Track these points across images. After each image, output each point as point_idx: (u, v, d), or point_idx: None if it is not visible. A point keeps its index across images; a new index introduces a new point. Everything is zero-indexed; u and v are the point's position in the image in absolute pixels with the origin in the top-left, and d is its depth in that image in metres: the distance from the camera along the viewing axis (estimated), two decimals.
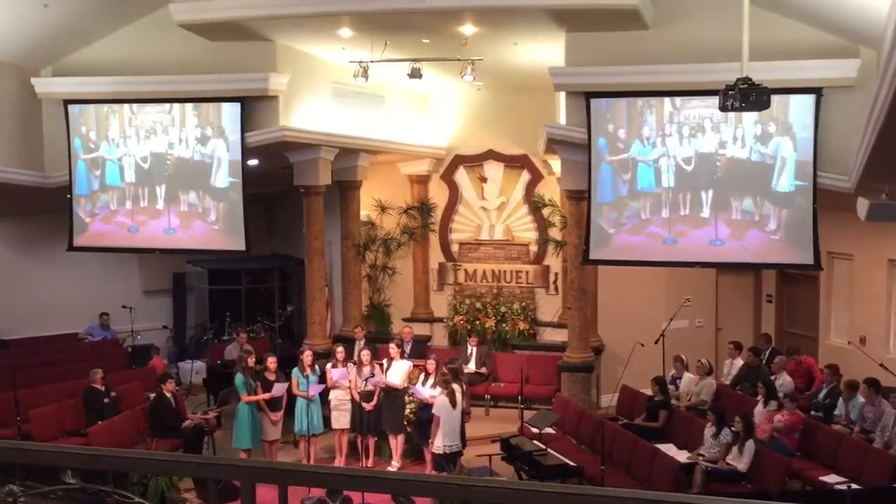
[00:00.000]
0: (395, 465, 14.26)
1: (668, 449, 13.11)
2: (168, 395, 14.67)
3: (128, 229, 16.80)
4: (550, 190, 18.00)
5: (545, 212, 18.07)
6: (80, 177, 16.89)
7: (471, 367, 17.12)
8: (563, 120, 15.36)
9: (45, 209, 18.18)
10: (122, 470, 3.73)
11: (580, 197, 15.66)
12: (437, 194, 19.10)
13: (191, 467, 3.93)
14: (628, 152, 14.65)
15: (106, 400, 14.86)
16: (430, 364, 14.01)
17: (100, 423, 14.23)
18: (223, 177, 16.10)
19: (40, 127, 16.84)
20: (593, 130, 14.67)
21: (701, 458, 12.72)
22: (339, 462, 14.32)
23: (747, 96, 9.84)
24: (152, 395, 15.17)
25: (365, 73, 14.94)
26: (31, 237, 19.41)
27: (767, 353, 15.85)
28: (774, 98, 10.33)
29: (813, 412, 14.06)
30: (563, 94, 15.30)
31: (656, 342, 15.90)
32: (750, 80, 9.88)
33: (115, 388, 15.20)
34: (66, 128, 16.68)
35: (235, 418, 13.96)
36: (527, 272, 18.59)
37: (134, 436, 14.18)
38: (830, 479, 12.08)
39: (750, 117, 13.82)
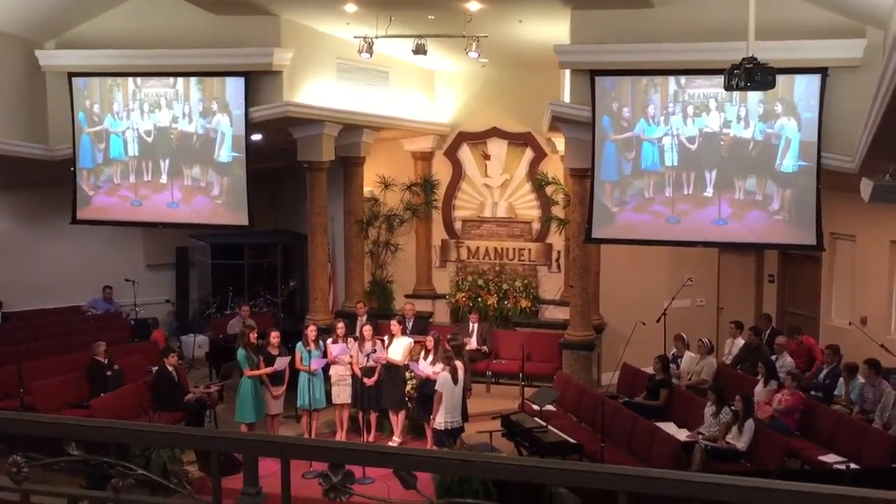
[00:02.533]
0: (396, 441, 14.31)
1: (668, 427, 13.15)
2: (170, 368, 14.71)
3: (131, 203, 16.80)
4: (554, 168, 17.97)
5: (548, 190, 18.06)
6: (84, 150, 16.87)
7: (472, 343, 17.14)
8: (567, 98, 15.31)
9: (48, 182, 18.18)
10: (124, 442, 3.74)
11: (584, 175, 15.64)
12: (441, 171, 19.07)
13: (193, 440, 3.94)
14: (632, 131, 14.62)
15: (109, 373, 14.91)
16: (430, 341, 14.04)
17: (102, 395, 14.30)
18: (227, 151, 16.08)
19: (44, 100, 16.81)
20: (598, 108, 14.64)
21: (701, 436, 12.75)
22: (341, 437, 14.37)
23: (752, 76, 9.80)
24: (154, 369, 15.22)
25: (369, 49, 14.89)
26: (34, 210, 19.42)
27: (768, 332, 15.86)
28: (780, 78, 10.29)
29: (813, 392, 14.08)
30: (567, 72, 15.25)
31: (658, 321, 15.92)
32: (755, 59, 9.84)
33: (117, 361, 15.25)
34: (70, 101, 16.65)
35: (238, 392, 14.00)
36: (529, 250, 18.58)
37: (136, 409, 14.23)
38: (829, 458, 12.11)
39: (755, 97, 13.77)
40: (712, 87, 13.87)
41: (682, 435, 12.92)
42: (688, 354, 15.44)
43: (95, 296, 19.76)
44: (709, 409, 13.00)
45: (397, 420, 14.41)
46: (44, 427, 3.77)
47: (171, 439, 4.07)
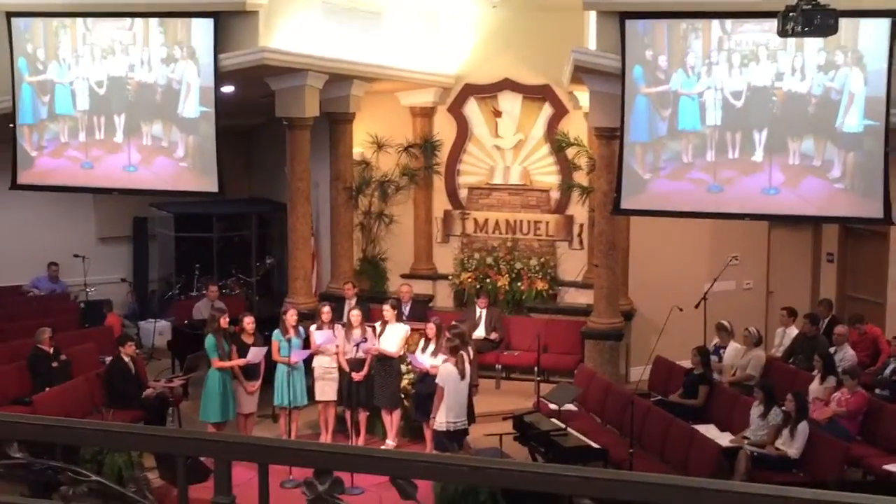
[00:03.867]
0: (390, 444, 14.35)
1: (709, 430, 13.17)
2: (126, 359, 14.74)
3: (81, 165, 16.78)
4: (576, 127, 17.93)
5: (570, 152, 18.01)
6: (25, 103, 16.84)
7: (479, 332, 17.16)
8: (592, 45, 15.24)
9: None
10: (74, 444, 3.76)
11: (611, 135, 15.60)
12: (444, 130, 19.03)
13: (157, 442, 3.96)
14: (668, 84, 14.58)
15: (54, 364, 14.94)
16: (430, 328, 14.05)
17: (47, 389, 14.33)
18: (193, 105, 16.05)
19: None
20: (628, 57, 14.59)
21: (746, 441, 12.78)
22: (326, 439, 14.41)
23: (811, 19, 9.78)
24: (108, 359, 15.25)
25: None
26: None
27: (826, 321, 15.87)
28: (843, 22, 10.27)
29: (878, 391, 14.10)
30: (593, 14, 15.18)
31: (697, 307, 15.92)
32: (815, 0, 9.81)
33: (64, 350, 15.28)
34: (8, 45, 16.59)
35: (205, 387, 14.03)
36: (547, 223, 18.57)
37: (87, 405, 14.27)
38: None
39: (813, 45, 13.72)
40: (763, 32, 13.82)
41: (724, 439, 12.95)
42: (732, 346, 15.45)
43: (38, 274, 19.78)
44: (756, 410, 13.02)
45: (391, 420, 14.45)
46: None
47: (128, 440, 4.07)
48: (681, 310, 15.36)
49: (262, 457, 3.46)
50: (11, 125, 16.86)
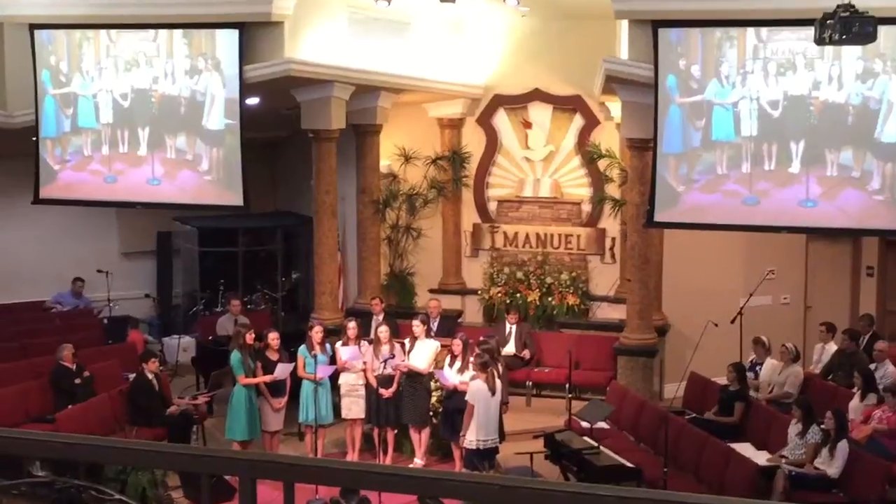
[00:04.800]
0: (418, 463, 14.34)
1: (745, 449, 13.10)
2: (150, 375, 14.79)
3: (104, 179, 16.88)
4: (608, 138, 17.90)
5: (601, 164, 17.99)
6: (48, 116, 16.95)
7: (510, 348, 17.13)
8: (624, 54, 15.22)
9: (5, 154, 18.28)
10: (100, 461, 3.77)
11: (644, 147, 15.57)
12: (472, 142, 19.04)
13: (179, 459, 3.96)
14: (703, 93, 14.54)
15: (77, 380, 15.00)
16: (457, 344, 14.03)
17: (70, 407, 14.39)
18: (217, 118, 16.12)
19: (1, 56, 16.90)
20: (661, 66, 14.56)
21: (784, 460, 12.70)
22: (352, 458, 14.40)
23: (849, 27, 9.73)
24: (132, 376, 15.30)
25: None
26: None
27: (867, 337, 15.74)
28: (882, 29, 10.21)
29: None
30: (625, 23, 15.16)
31: (732, 322, 15.85)
32: (853, 6, 9.76)
33: (87, 366, 15.33)
34: (31, 58, 16.72)
35: (230, 405, 14.07)
36: (578, 236, 18.54)
37: (110, 423, 14.32)
38: None
39: (851, 53, 13.65)
40: (800, 40, 13.77)
41: (761, 458, 12.86)
42: (769, 362, 15.36)
43: (61, 289, 19.87)
44: (794, 428, 12.93)
45: (420, 439, 14.44)
46: (7, 443, 3.79)
47: (152, 458, 4.08)
48: (716, 325, 15.29)
49: (288, 475, 3.46)
50: (34, 138, 16.97)
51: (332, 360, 14.50)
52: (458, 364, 13.91)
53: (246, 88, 15.90)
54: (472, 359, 13.51)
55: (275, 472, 3.55)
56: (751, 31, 14.14)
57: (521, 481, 3.32)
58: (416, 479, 3.43)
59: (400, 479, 3.42)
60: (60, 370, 15.02)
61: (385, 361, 14.25)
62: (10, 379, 15.28)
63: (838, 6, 9.80)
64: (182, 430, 14.56)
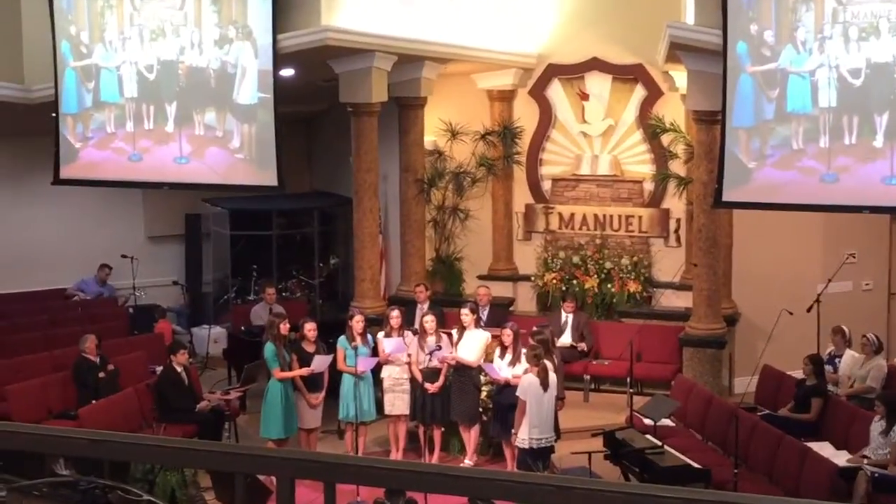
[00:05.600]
0: (468, 463, 14.37)
1: (823, 448, 13.04)
2: (179, 368, 14.90)
3: (128, 157, 16.98)
4: (672, 110, 17.81)
5: (665, 139, 17.91)
6: (69, 90, 17.07)
7: (565, 339, 17.12)
8: (690, 19, 15.13)
9: (24, 131, 18.45)
10: (126, 460, 3.80)
11: (712, 120, 15.49)
12: (525, 115, 19.00)
13: (212, 458, 3.99)
14: (777, 61, 14.42)
15: (101, 374, 15.13)
16: (507, 335, 14.03)
17: (94, 402, 14.52)
18: (249, 91, 16.17)
19: (18, 26, 17.04)
20: (730, 32, 14.46)
21: (865, 460, 12.62)
22: (396, 457, 14.46)
23: None
24: (159, 369, 15.42)
25: None
26: (6, 167, 19.71)
27: None
28: None
29: None
30: None
31: (809, 310, 15.75)
32: None
33: (112, 359, 15.48)
34: (51, 28, 16.83)
35: (264, 400, 14.16)
36: (640, 217, 18.47)
37: (136, 419, 14.46)
38: None
39: None
40: (884, 2, 13.63)
41: (840, 458, 12.80)
42: (849, 354, 15.27)
43: (85, 276, 20.04)
44: (876, 426, 12.85)
45: (469, 437, 14.47)
46: (22, 440, 3.83)
47: (182, 457, 4.11)
48: (791, 313, 15.19)
49: (329, 475, 3.48)
50: (54, 114, 17.08)
51: (374, 352, 14.55)
52: (508, 356, 13.92)
53: (280, 59, 15.94)
54: (524, 351, 13.53)
55: (315, 471, 3.57)
56: None
57: (579, 482, 3.32)
58: (466, 479, 3.44)
59: (449, 479, 3.43)
60: (83, 363, 15.16)
61: (431, 353, 14.28)
62: (31, 372, 15.46)
63: None
64: (213, 427, 14.67)
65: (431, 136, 18.99)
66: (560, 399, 14.15)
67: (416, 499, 10.97)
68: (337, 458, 3.60)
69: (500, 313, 16.88)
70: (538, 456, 12.98)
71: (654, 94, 18.13)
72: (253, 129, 16.28)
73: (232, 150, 16.45)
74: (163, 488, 10.39)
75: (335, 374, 14.44)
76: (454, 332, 14.66)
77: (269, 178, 16.34)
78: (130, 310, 19.45)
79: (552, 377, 13.13)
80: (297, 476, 3.64)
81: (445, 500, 4.09)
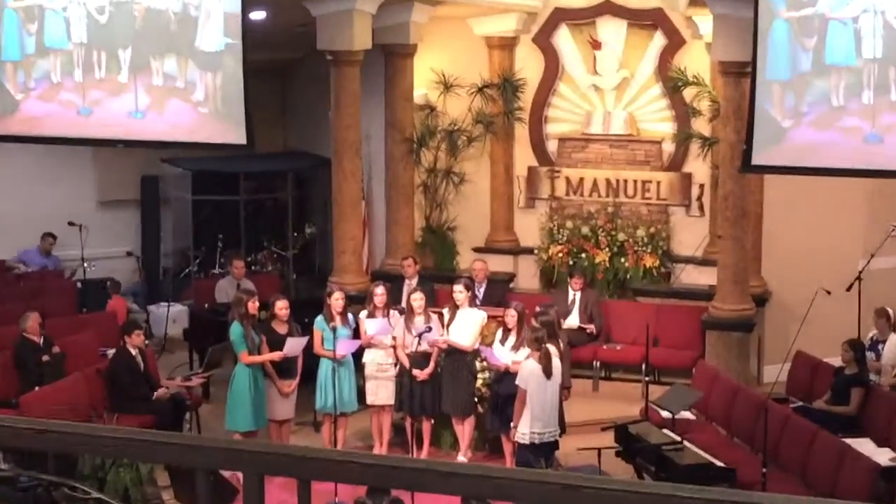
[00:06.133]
0: (461, 460, 14.40)
1: (863, 445, 13.07)
2: (134, 351, 14.89)
3: (77, 111, 16.92)
4: (696, 61, 17.80)
5: (687, 94, 17.90)
6: (8, 33, 16.99)
7: (572, 320, 17.15)
8: None
9: None
10: (74, 453, 3.80)
11: (741, 72, 15.49)
12: (528, 66, 18.98)
13: (171, 452, 3.99)
14: (815, 5, 14.40)
15: (45, 357, 15.11)
16: (511, 316, 14.04)
17: (37, 389, 14.50)
18: (214, 36, 16.12)
19: None
20: None
21: None
22: (380, 453, 14.48)
23: None
24: (111, 352, 15.41)
25: None
26: None
27: None
28: None
29: None
30: None
31: (849, 289, 15.76)
32: None
33: (58, 340, 15.45)
34: None
35: (230, 388, 14.17)
36: (658, 183, 18.48)
37: (85, 409, 14.42)
38: None
39: None
40: None
41: (883, 457, 12.85)
42: (893, 339, 15.31)
43: (26, 245, 19.99)
44: None
45: (463, 430, 14.49)
46: None
47: (137, 450, 4.11)
48: (828, 293, 15.20)
49: (304, 471, 3.48)
50: None
51: (356, 334, 14.56)
52: (511, 340, 13.92)
53: (249, 1, 15.90)
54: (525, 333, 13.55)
55: (287, 466, 3.58)
56: None
57: (586, 480, 3.33)
58: (458, 476, 3.44)
59: (439, 476, 3.43)
60: (25, 344, 15.13)
61: (420, 336, 14.27)
62: None
63: None
64: (172, 417, 14.67)
65: (422, 88, 18.97)
66: (566, 388, 14.18)
67: (403, 499, 10.99)
68: (312, 451, 3.60)
69: (498, 291, 16.89)
70: (540, 452, 13.00)
71: (675, 42, 18.12)
72: (218, 80, 16.23)
73: (195, 103, 16.40)
74: (115, 486, 10.40)
75: (311, 358, 14.45)
76: (445, 311, 14.66)
77: (236, 135, 16.29)
78: (78, 284, 19.41)
79: (556, 364, 13.13)
80: (267, 472, 3.64)
81: (435, 500, 4.10)
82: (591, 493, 3.29)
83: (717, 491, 3.22)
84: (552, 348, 13.20)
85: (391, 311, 14.70)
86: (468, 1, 18.14)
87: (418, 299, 14.57)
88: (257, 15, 16.40)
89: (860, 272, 16.04)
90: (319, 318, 14.48)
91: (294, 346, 14.17)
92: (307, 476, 3.49)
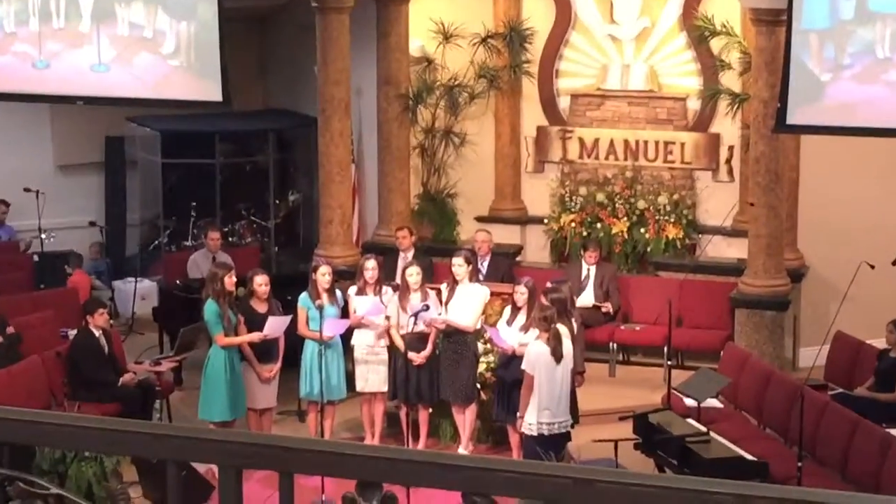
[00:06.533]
0: (462, 453, 14.42)
1: None
2: (97, 332, 14.90)
3: (33, 64, 16.91)
4: (725, 8, 17.78)
5: (715, 45, 17.89)
6: None
7: (587, 298, 17.16)
8: None
9: None
10: (32, 443, 3.80)
11: (775, 21, 15.47)
12: (537, 14, 18.95)
13: (140, 442, 3.99)
14: None
15: None
16: (520, 292, 14.05)
17: None
18: None
19: None
20: None
21: None
22: (371, 443, 14.52)
23: None
24: (72, 333, 15.43)
25: None
26: None
27: None
28: None
29: None
30: None
31: (895, 263, 15.76)
32: None
33: (12, 319, 15.46)
34: None
35: (204, 373, 14.17)
36: (682, 144, 18.47)
37: (43, 395, 14.47)
38: None
39: None
40: None
41: None
42: None
43: None
44: None
45: (464, 420, 14.51)
46: None
47: (101, 441, 4.11)
48: (872, 267, 15.21)
49: (286, 464, 3.48)
50: None
51: (344, 313, 14.56)
52: (521, 320, 13.91)
53: None
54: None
55: (267, 459, 3.58)
56: None
57: (602, 473, 3.33)
58: (460, 469, 3.44)
59: (438, 469, 3.43)
60: None
61: (416, 315, 14.28)
62: None
63: None
64: (140, 406, 14.69)
65: (418, 39, 18.93)
66: (579, 374, 14.20)
67: (397, 494, 10.99)
68: (296, 441, 3.60)
69: (503, 265, 16.91)
70: (550, 445, 13.00)
71: None
72: (191, 29, 16.22)
73: (165, 55, 16.39)
74: (76, 482, 10.41)
75: (295, 340, 14.46)
76: (444, 287, 14.66)
77: (211, 91, 16.29)
78: (35, 258, 19.40)
79: (567, 346, 13.12)
80: (245, 466, 3.64)
81: (433, 495, 4.11)
82: (608, 487, 3.29)
83: (746, 485, 3.22)
84: (563, 329, 13.19)
85: (384, 288, 14.70)
86: None
87: (414, 274, 14.57)
88: None
89: None
90: (304, 296, 14.48)
91: (275, 326, 14.17)
92: (290, 469, 3.49)
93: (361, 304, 14.49)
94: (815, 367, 15.50)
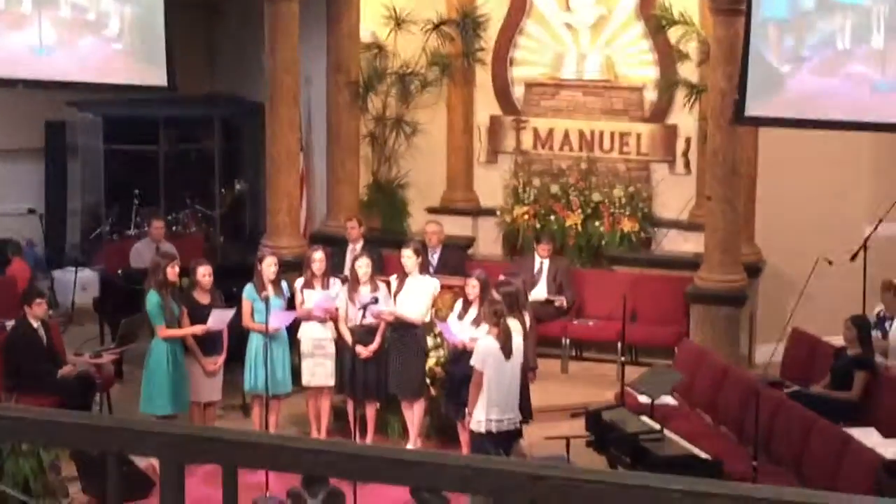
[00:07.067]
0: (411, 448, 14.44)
1: (867, 435, 13.15)
2: (35, 323, 14.83)
3: None
4: None
5: (673, 34, 17.93)
6: None
7: (539, 291, 17.18)
8: None
9: None
10: None
11: (733, 10, 15.51)
12: (491, 0, 18.97)
13: (79, 435, 3.96)
14: None
15: None
16: (472, 285, 14.06)
17: None
18: None
19: None
20: None
21: None
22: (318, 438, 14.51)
23: None
24: (10, 324, 15.35)
25: None
26: None
27: None
28: None
29: None
30: None
31: (853, 259, 15.85)
32: None
33: None
34: None
35: (146, 365, 14.14)
36: (638, 135, 18.51)
37: None
38: None
39: None
40: None
41: (888, 449, 12.91)
42: None
43: None
44: None
45: (413, 415, 14.51)
46: None
47: (38, 432, 4.08)
48: (830, 263, 15.29)
49: (231, 458, 3.46)
50: None
51: (291, 304, 14.53)
52: (472, 313, 13.91)
53: None
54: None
55: (210, 452, 3.56)
56: None
57: (554, 468, 3.32)
58: (410, 464, 3.43)
59: (387, 464, 3.42)
60: None
61: (364, 308, 14.27)
62: None
63: None
64: (80, 398, 14.62)
65: (370, 25, 18.90)
66: (531, 370, 14.21)
67: (343, 490, 10.98)
68: (239, 435, 3.58)
69: (454, 257, 16.91)
70: (499, 442, 12.99)
71: None
72: (136, 13, 16.17)
73: (108, 38, 16.33)
74: (13, 477, 10.36)
75: (240, 332, 14.43)
76: (394, 279, 14.65)
77: (156, 76, 16.25)
78: None
79: (517, 342, 13.11)
80: (188, 460, 3.63)
81: (381, 491, 4.10)
82: (560, 483, 3.29)
83: (701, 482, 3.22)
84: (514, 324, 13.20)
85: (332, 280, 14.68)
86: None
87: (363, 266, 14.55)
88: None
89: (866, 240, 16.12)
90: (249, 287, 14.45)
91: (219, 318, 14.14)
92: (234, 463, 3.47)
93: (309, 297, 14.47)
94: (770, 363, 15.60)
